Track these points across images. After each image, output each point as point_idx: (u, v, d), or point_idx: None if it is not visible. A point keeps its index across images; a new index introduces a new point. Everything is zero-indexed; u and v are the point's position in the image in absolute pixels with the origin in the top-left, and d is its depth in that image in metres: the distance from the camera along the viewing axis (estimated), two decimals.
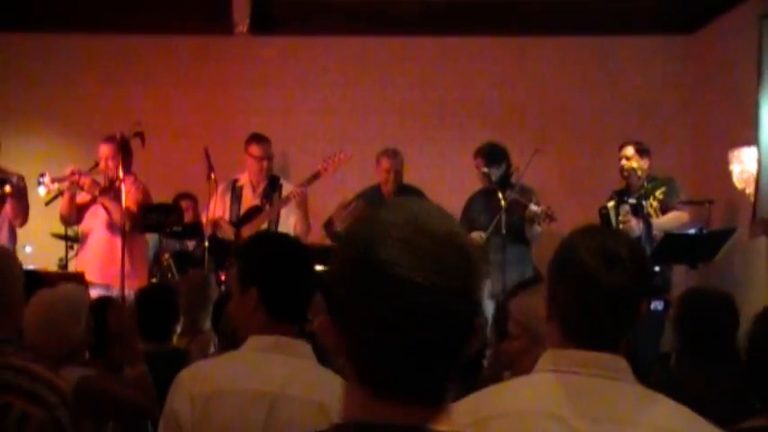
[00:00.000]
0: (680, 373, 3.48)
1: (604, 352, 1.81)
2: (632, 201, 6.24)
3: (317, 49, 7.93)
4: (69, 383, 2.63)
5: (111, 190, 6.39)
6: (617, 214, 6.30)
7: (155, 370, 3.56)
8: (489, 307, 6.22)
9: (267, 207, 6.58)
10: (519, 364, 2.40)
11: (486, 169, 6.48)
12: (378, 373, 1.12)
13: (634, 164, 6.36)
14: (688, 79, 7.78)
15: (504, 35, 7.85)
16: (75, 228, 6.65)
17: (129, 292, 5.82)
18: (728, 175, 6.37)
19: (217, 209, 6.63)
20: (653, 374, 3.15)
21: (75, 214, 6.50)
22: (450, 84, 7.86)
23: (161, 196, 6.81)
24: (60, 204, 6.44)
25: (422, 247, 1.09)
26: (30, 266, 6.24)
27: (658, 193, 6.27)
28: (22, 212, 6.39)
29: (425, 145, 7.65)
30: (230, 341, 2.98)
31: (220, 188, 6.68)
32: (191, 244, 6.97)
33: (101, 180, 6.46)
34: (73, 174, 6.33)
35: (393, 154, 6.89)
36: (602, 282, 1.78)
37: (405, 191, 6.85)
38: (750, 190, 6.22)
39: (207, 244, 6.34)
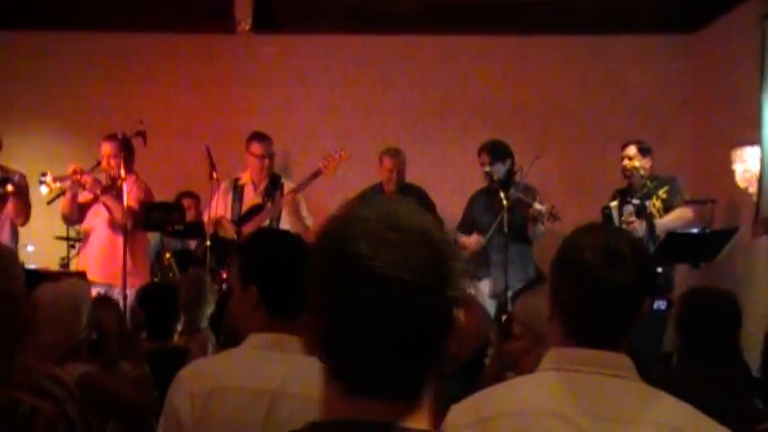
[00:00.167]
0: (682, 371, 3.47)
1: (607, 350, 1.81)
2: (636, 201, 6.23)
3: (318, 48, 7.93)
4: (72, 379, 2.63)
5: (112, 189, 6.39)
6: (620, 214, 6.29)
7: (156, 368, 3.56)
8: (491, 306, 6.24)
9: (268, 205, 6.58)
10: (522, 364, 2.41)
11: (488, 168, 6.48)
12: (350, 369, 1.12)
13: (636, 163, 6.36)
14: (689, 79, 7.77)
15: (504, 34, 7.84)
16: (77, 227, 6.66)
17: (131, 291, 5.82)
18: (731, 174, 6.36)
19: (218, 207, 6.64)
20: (655, 373, 3.15)
21: (76, 213, 6.51)
22: (451, 83, 7.86)
23: (163, 195, 6.81)
24: (62, 203, 6.44)
25: (394, 243, 1.09)
26: (31, 265, 6.26)
27: (661, 193, 6.26)
28: (24, 211, 6.40)
29: (426, 144, 7.64)
30: (231, 339, 2.98)
31: (222, 187, 6.69)
32: (192, 243, 6.97)
33: (102, 179, 6.46)
34: (75, 173, 6.33)
35: (395, 153, 6.90)
36: (604, 279, 1.78)
37: (406, 190, 6.86)
38: (753, 189, 6.21)
39: (208, 243, 6.35)
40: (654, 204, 6.25)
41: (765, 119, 6.17)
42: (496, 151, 6.52)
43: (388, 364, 1.11)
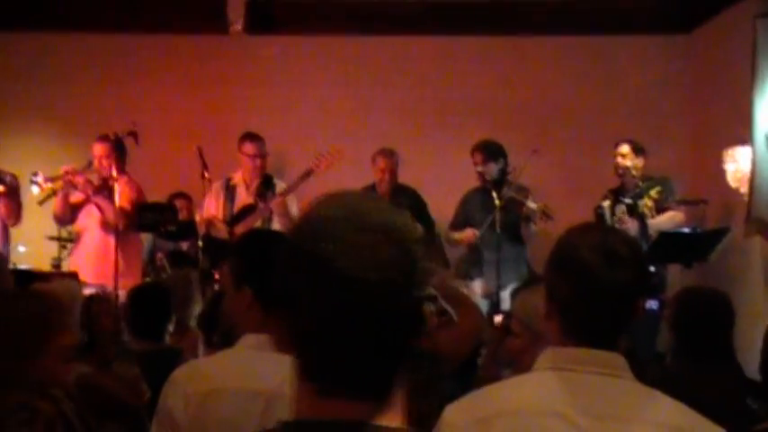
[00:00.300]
0: (675, 371, 3.47)
1: (604, 349, 1.81)
2: (628, 201, 6.24)
3: (314, 49, 7.92)
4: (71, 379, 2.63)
5: (104, 189, 6.37)
6: (612, 213, 6.30)
7: (150, 369, 3.55)
8: (484, 306, 6.24)
9: (260, 206, 6.57)
10: (520, 362, 2.41)
11: (481, 168, 6.49)
12: (321, 370, 1.13)
13: (628, 162, 6.36)
14: (686, 78, 7.78)
15: (502, 35, 7.84)
16: (69, 227, 6.64)
17: (123, 292, 5.80)
18: (724, 174, 6.37)
19: (211, 208, 6.63)
20: (649, 373, 3.15)
21: (68, 214, 6.49)
22: (449, 83, 7.85)
23: (157, 196, 6.80)
24: (54, 204, 6.42)
25: (360, 244, 1.09)
26: (23, 266, 6.25)
27: (654, 193, 6.27)
28: (16, 212, 6.37)
29: (423, 144, 7.63)
30: (226, 339, 2.97)
31: (214, 187, 6.68)
32: (185, 243, 6.96)
33: (94, 179, 6.44)
34: (66, 173, 6.32)
35: (389, 154, 6.90)
36: (603, 279, 1.78)
37: (400, 190, 6.86)
38: (744, 189, 6.22)
39: (201, 243, 6.34)
40: (646, 204, 6.26)
41: (757, 118, 6.18)
42: (489, 151, 6.53)
43: (358, 364, 1.11)
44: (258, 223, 6.50)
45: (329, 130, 7.59)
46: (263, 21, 7.84)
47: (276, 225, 6.42)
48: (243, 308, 2.19)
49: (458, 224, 6.72)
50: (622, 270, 1.78)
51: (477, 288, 6.45)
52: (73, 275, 5.93)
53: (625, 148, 6.40)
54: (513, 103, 7.76)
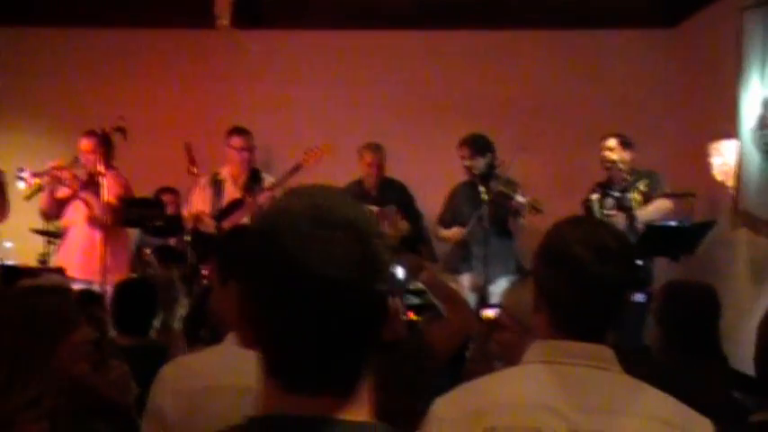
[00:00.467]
0: (662, 364, 3.48)
1: (592, 342, 1.81)
2: (616, 194, 6.26)
3: (302, 44, 7.90)
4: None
5: (91, 184, 6.35)
6: (601, 207, 6.32)
7: (135, 365, 3.53)
8: (472, 300, 6.25)
9: (248, 200, 6.56)
10: (510, 355, 2.41)
11: (468, 162, 6.49)
12: (284, 365, 1.12)
13: (615, 156, 6.37)
14: (672, 72, 7.79)
15: (489, 29, 7.84)
16: (56, 223, 6.61)
17: (111, 287, 5.78)
18: (710, 167, 6.39)
19: (198, 202, 6.61)
20: (636, 366, 3.16)
21: (55, 209, 6.46)
22: (437, 78, 7.84)
23: (144, 191, 6.78)
24: (41, 199, 6.40)
25: (319, 239, 1.09)
26: (10, 262, 6.22)
27: (642, 186, 6.29)
28: (2, 207, 6.33)
29: (412, 139, 7.63)
30: (213, 335, 2.96)
31: (202, 182, 6.66)
32: (172, 239, 6.94)
33: (81, 175, 6.42)
34: (53, 168, 6.29)
35: (376, 148, 6.90)
36: (593, 272, 1.79)
37: (387, 185, 6.86)
38: (730, 182, 6.24)
39: (188, 238, 6.32)
40: (634, 198, 6.28)
41: (743, 112, 6.20)
42: (476, 145, 6.53)
43: (322, 359, 1.11)
44: (246, 218, 6.49)
45: (317, 125, 7.57)
46: (250, 16, 7.82)
47: None
48: (230, 304, 2.18)
49: (446, 219, 6.72)
50: (612, 264, 1.79)
51: (465, 282, 6.45)
52: (60, 271, 5.91)
53: (612, 142, 6.41)
54: (500, 98, 7.75)
